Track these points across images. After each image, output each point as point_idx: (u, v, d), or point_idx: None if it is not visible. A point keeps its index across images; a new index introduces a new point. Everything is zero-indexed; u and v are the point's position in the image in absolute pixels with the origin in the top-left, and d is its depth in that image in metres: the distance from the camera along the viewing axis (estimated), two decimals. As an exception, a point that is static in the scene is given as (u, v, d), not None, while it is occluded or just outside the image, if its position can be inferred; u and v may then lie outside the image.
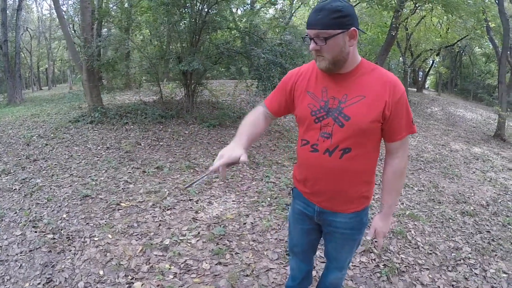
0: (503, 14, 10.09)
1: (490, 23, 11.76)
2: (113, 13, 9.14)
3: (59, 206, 3.60)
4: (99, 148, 5.64)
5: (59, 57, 26.42)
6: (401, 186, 1.60)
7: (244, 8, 10.10)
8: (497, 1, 10.62)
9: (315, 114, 1.46)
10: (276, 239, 3.18)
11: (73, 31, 14.89)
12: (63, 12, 11.65)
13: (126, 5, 9.59)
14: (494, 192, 5.23)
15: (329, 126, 1.43)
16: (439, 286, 2.72)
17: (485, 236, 3.70)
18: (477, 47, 23.85)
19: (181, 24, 7.46)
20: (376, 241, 1.59)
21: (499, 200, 4.89)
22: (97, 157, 5.21)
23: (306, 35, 1.37)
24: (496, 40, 12.79)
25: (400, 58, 17.55)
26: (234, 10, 10.02)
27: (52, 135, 6.32)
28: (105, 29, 12.90)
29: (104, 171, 4.64)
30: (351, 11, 1.31)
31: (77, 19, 14.09)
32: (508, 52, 10.85)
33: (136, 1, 8.37)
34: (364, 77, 1.41)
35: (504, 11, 10.24)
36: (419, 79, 24.16)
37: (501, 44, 11.45)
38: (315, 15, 1.30)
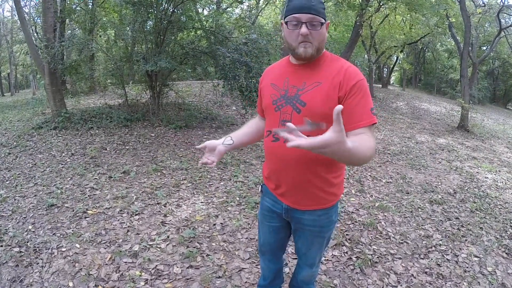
0: (465, 12, 10.47)
1: (451, 19, 12.16)
2: (76, 13, 8.86)
3: (24, 217, 3.43)
4: (63, 154, 5.42)
5: (21, 61, 25.23)
6: (363, 152, 1.16)
7: (210, 8, 10.01)
8: (458, 0, 10.99)
9: (275, 102, 1.49)
10: (246, 238, 3.15)
11: (35, 34, 14.36)
12: (25, 14, 11.20)
13: (90, 6, 9.34)
14: (461, 180, 5.40)
15: (288, 114, 1.45)
16: (412, 274, 2.76)
17: (454, 222, 3.80)
18: (439, 43, 24.77)
19: (146, 24, 7.31)
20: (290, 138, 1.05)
21: (466, 188, 5.05)
22: (62, 164, 5.00)
23: (286, 21, 1.34)
24: (458, 37, 13.27)
25: (365, 56, 17.93)
26: (200, 10, 9.92)
27: (15, 143, 6.05)
28: (69, 31, 12.52)
29: (69, 178, 4.46)
30: None
31: (39, 20, 13.59)
32: (470, 48, 11.27)
33: (101, 1, 8.13)
34: (323, 66, 1.43)
35: (466, 8, 10.60)
36: (384, 76, 24.86)
37: (462, 40, 11.88)
38: (308, 0, 1.30)
